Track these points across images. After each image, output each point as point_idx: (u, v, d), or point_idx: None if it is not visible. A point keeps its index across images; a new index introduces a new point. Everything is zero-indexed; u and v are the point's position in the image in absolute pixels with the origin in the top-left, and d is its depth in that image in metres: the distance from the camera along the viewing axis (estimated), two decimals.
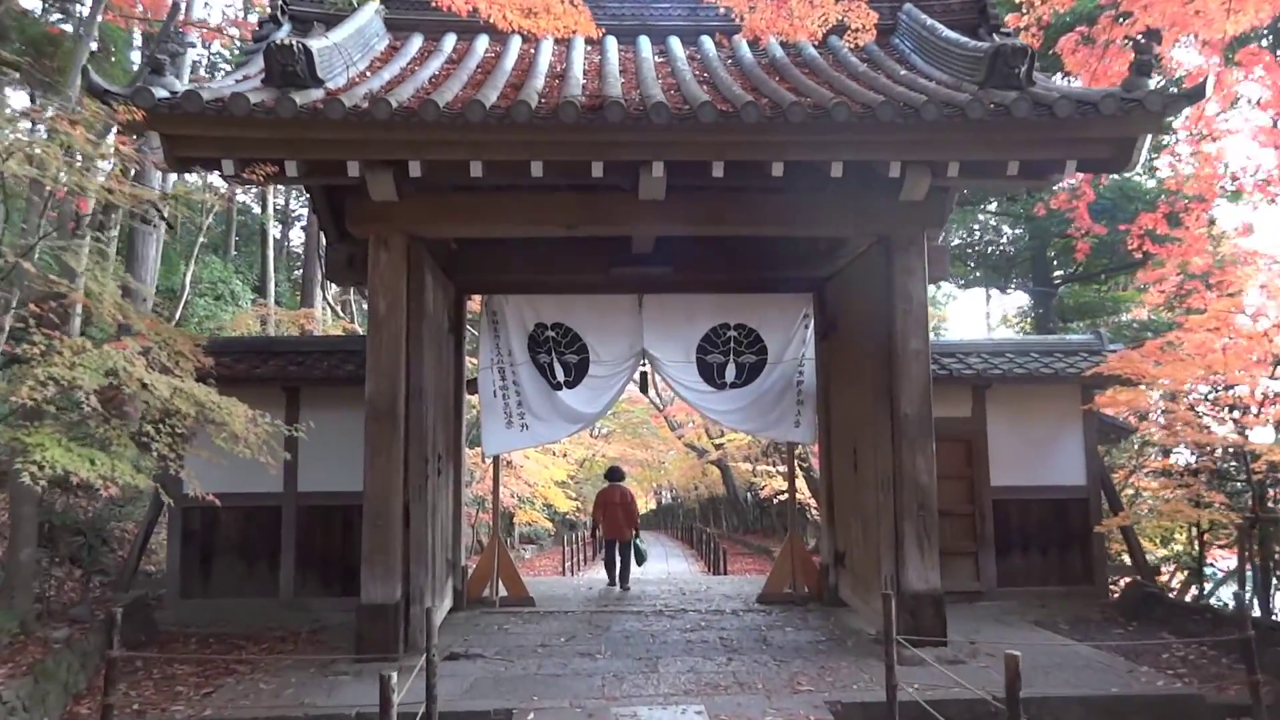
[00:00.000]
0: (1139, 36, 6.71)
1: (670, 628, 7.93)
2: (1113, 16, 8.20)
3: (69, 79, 9.22)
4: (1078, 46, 8.70)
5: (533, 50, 8.13)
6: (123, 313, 6.88)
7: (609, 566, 11.89)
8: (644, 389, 9.83)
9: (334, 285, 21.46)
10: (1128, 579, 9.41)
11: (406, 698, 4.80)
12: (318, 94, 6.15)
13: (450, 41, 8.34)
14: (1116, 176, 10.99)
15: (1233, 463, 8.54)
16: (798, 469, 18.11)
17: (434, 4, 7.25)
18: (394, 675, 3.62)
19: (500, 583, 9.23)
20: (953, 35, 7.50)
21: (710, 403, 9.39)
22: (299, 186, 14.30)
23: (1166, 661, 6.65)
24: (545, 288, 9.21)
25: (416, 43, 8.30)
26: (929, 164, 6.50)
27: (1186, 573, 10.53)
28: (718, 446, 31.07)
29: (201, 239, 20.72)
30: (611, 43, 8.29)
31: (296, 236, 31.57)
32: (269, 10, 8.42)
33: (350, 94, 6.19)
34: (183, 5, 14.42)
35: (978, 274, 15.43)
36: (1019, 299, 18.59)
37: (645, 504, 65.61)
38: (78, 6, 14.49)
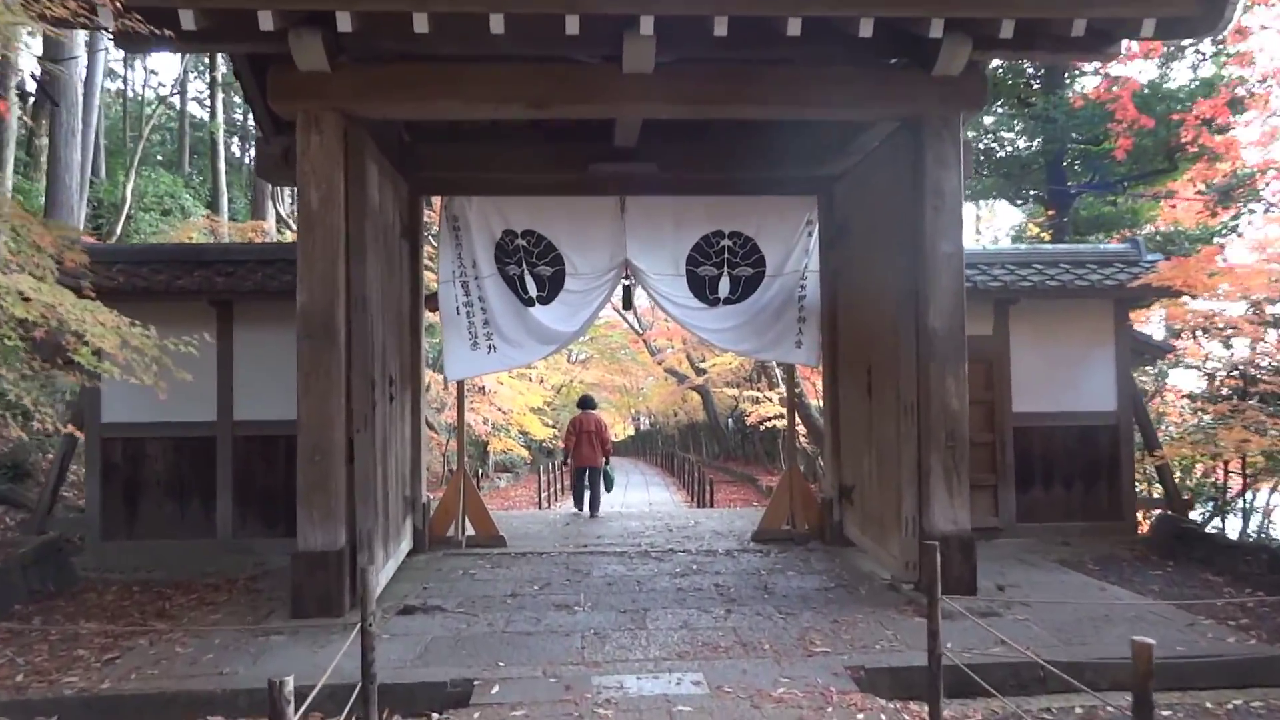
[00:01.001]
0: None
1: (658, 572, 7.04)
2: None
3: None
4: None
5: None
6: None
7: (577, 495, 11.80)
8: (627, 304, 8.78)
9: (289, 198, 20.02)
10: (1156, 512, 8.65)
11: (347, 663, 3.88)
12: None
13: None
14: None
15: None
16: (785, 390, 17.35)
17: None
18: (288, 683, 2.62)
19: (467, 521, 8.30)
20: None
21: (701, 321, 8.35)
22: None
23: (1225, 611, 5.84)
24: (514, 188, 8.04)
25: None
26: (976, 25, 5.37)
27: (1211, 505, 9.80)
28: (700, 372, 30.26)
29: (140, 148, 19.21)
30: None
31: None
32: None
33: None
34: None
35: (985, 182, 14.34)
36: (1020, 215, 17.57)
37: (623, 430, 65.36)
38: None
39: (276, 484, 7.53)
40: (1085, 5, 5.06)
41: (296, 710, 2.64)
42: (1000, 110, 13.64)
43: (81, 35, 13.33)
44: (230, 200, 23.08)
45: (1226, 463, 9.09)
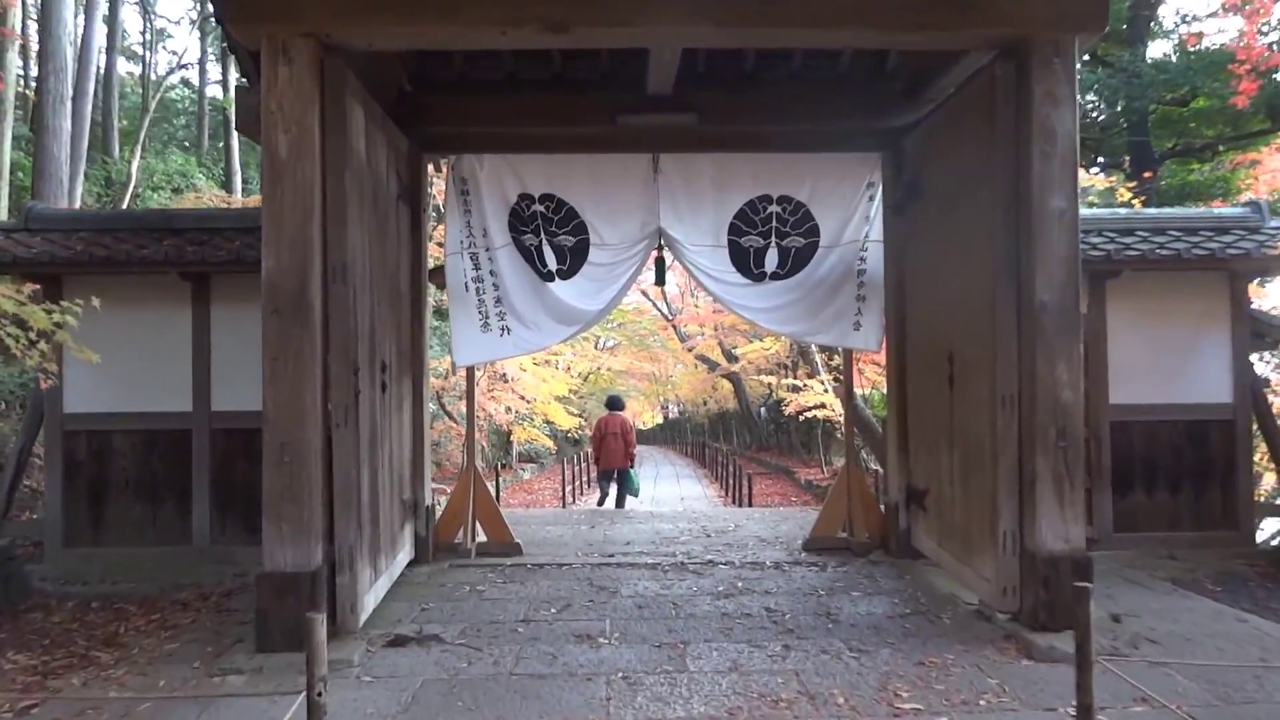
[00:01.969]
0: None
1: (697, 590, 6.00)
2: None
3: None
4: None
5: None
6: None
7: (603, 496, 12.10)
8: (659, 280, 7.67)
9: None
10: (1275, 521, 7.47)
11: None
12: None
13: None
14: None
15: None
16: (829, 378, 16.14)
17: None
18: None
19: (477, 525, 7.30)
20: None
21: (745, 299, 7.25)
22: None
23: None
24: (531, 145, 6.99)
25: None
26: None
27: None
28: (732, 359, 29.12)
29: (146, 123, 18.44)
30: None
31: None
32: None
33: None
34: None
35: None
36: (1096, 184, 16.17)
37: (651, 419, 64.46)
38: None
39: (260, 484, 6.55)
40: None
41: None
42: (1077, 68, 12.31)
43: None
44: (245, 181, 22.28)
45: None
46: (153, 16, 26.24)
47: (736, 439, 36.45)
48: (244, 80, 6.16)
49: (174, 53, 31.94)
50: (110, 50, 20.98)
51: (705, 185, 7.12)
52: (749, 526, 8.75)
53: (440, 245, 7.64)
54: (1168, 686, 4.05)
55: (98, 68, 22.95)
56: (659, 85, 6.32)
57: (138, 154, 16.55)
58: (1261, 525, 7.39)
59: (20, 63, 16.28)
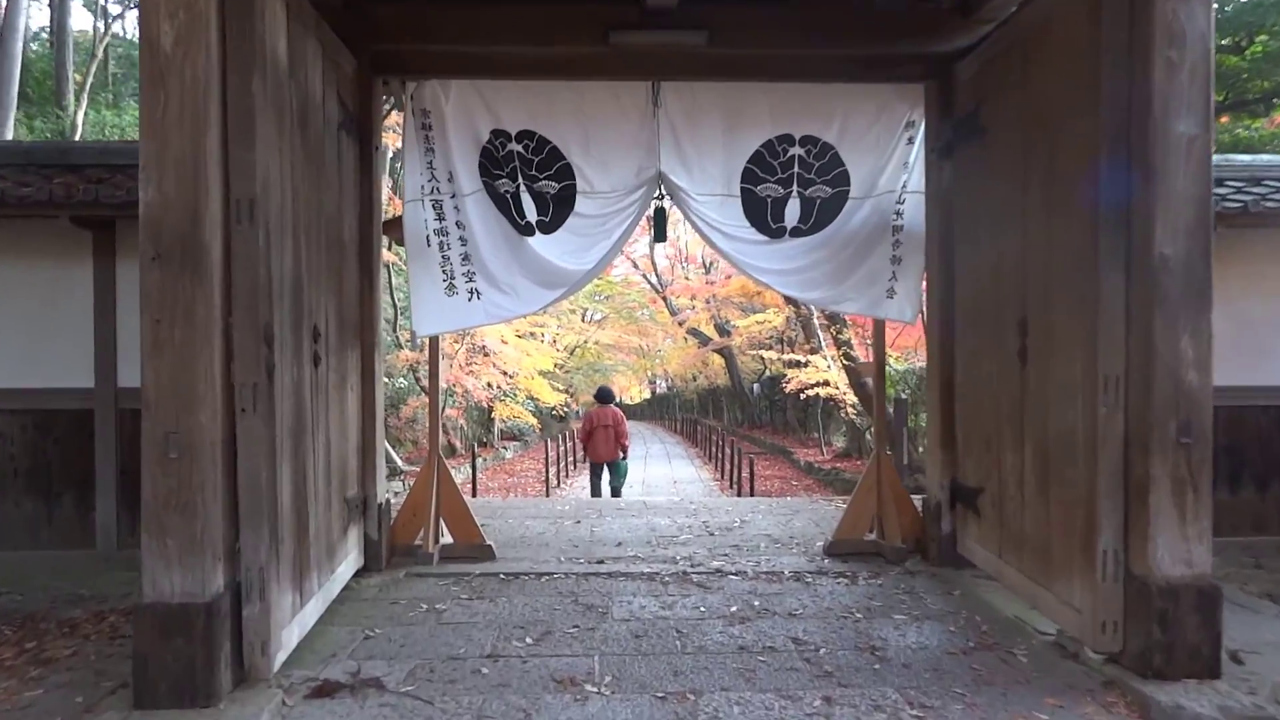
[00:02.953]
0: None
1: (706, 611, 4.92)
2: None
3: None
4: None
5: None
6: None
7: (594, 490, 11.77)
8: (659, 234, 6.48)
9: None
10: None
11: None
12: None
13: None
14: None
15: None
16: (835, 353, 15.05)
17: None
18: None
19: (442, 525, 6.20)
20: None
21: (760, 259, 6.13)
22: None
23: None
24: (506, 68, 5.80)
25: None
26: None
27: None
28: (724, 333, 28.04)
29: (92, 70, 17.01)
30: None
31: None
32: None
33: None
34: None
35: None
36: None
37: (639, 394, 63.51)
38: None
39: None
40: None
41: None
42: None
43: None
44: None
45: None
46: None
47: (728, 416, 35.48)
48: None
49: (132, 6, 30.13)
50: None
51: (715, 122, 5.97)
52: (757, 522, 7.68)
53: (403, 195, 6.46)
54: None
55: (56, 18, 21.43)
56: None
57: (84, 103, 15.17)
58: None
59: None
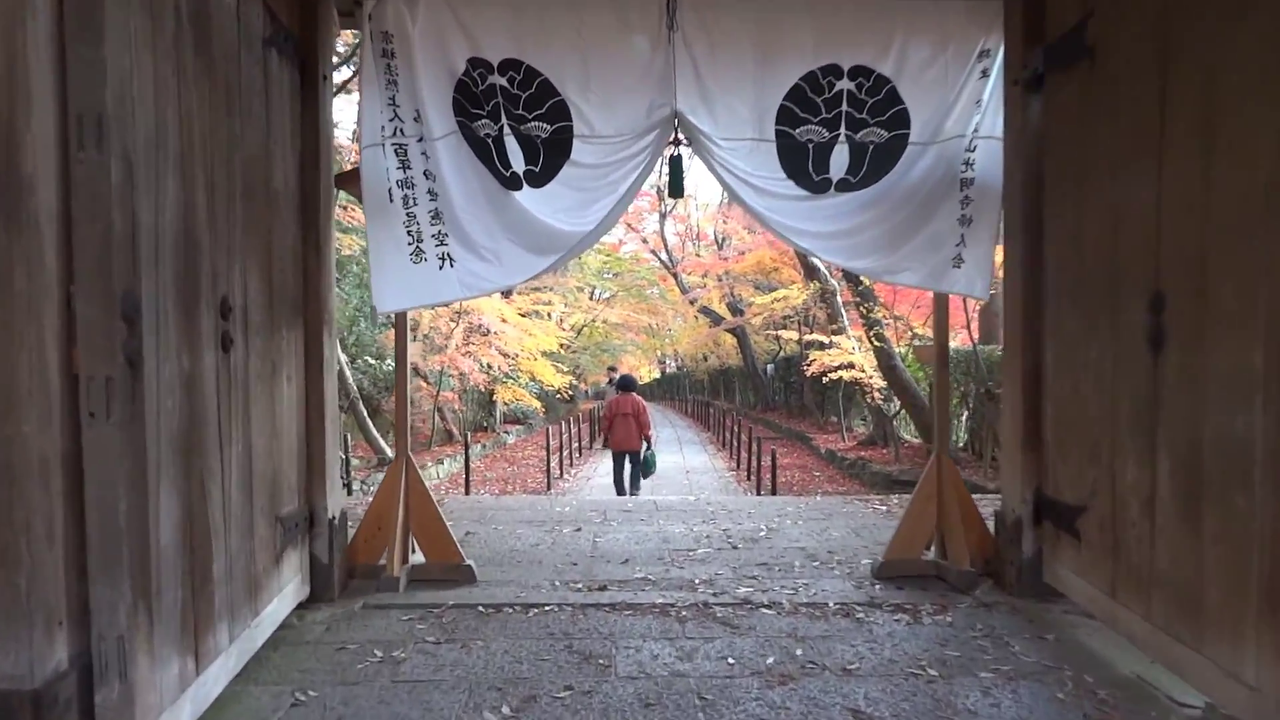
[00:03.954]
0: None
1: (735, 663, 3.85)
2: None
3: None
4: None
5: None
6: None
7: (617, 480, 11.68)
8: (675, 188, 5.29)
9: None
10: None
11: None
12: None
13: None
14: None
15: None
16: (861, 334, 13.90)
17: None
18: None
19: (411, 541, 5.15)
20: None
21: (799, 218, 5.00)
22: None
23: None
24: None
25: None
26: None
27: None
28: (737, 312, 26.92)
29: None
30: None
31: None
32: None
33: None
34: None
35: None
36: None
37: (649, 373, 62.54)
38: None
39: None
40: None
41: None
42: None
43: None
44: None
45: None
46: None
47: (740, 397, 34.39)
48: None
49: None
50: None
51: (744, 49, 4.84)
52: (786, 529, 6.62)
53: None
54: None
55: None
56: None
57: None
58: None
59: None
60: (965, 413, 12.74)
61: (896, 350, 12.83)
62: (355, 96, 7.34)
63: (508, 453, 18.09)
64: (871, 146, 4.91)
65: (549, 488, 12.34)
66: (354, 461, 12.49)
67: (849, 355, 13.82)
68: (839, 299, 15.49)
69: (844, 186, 4.94)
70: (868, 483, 12.32)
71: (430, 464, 13.20)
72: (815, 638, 4.16)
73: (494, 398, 18.47)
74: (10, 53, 2.42)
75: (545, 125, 4.83)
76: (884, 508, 7.82)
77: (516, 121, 4.82)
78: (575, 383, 27.16)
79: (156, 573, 2.83)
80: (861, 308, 12.41)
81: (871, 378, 13.69)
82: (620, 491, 11.40)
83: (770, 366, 28.53)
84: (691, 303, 29.57)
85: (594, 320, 31.14)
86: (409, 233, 4.69)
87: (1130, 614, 3.75)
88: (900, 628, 4.32)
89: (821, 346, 14.73)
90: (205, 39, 3.29)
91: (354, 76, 11.67)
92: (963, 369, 12.05)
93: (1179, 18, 3.43)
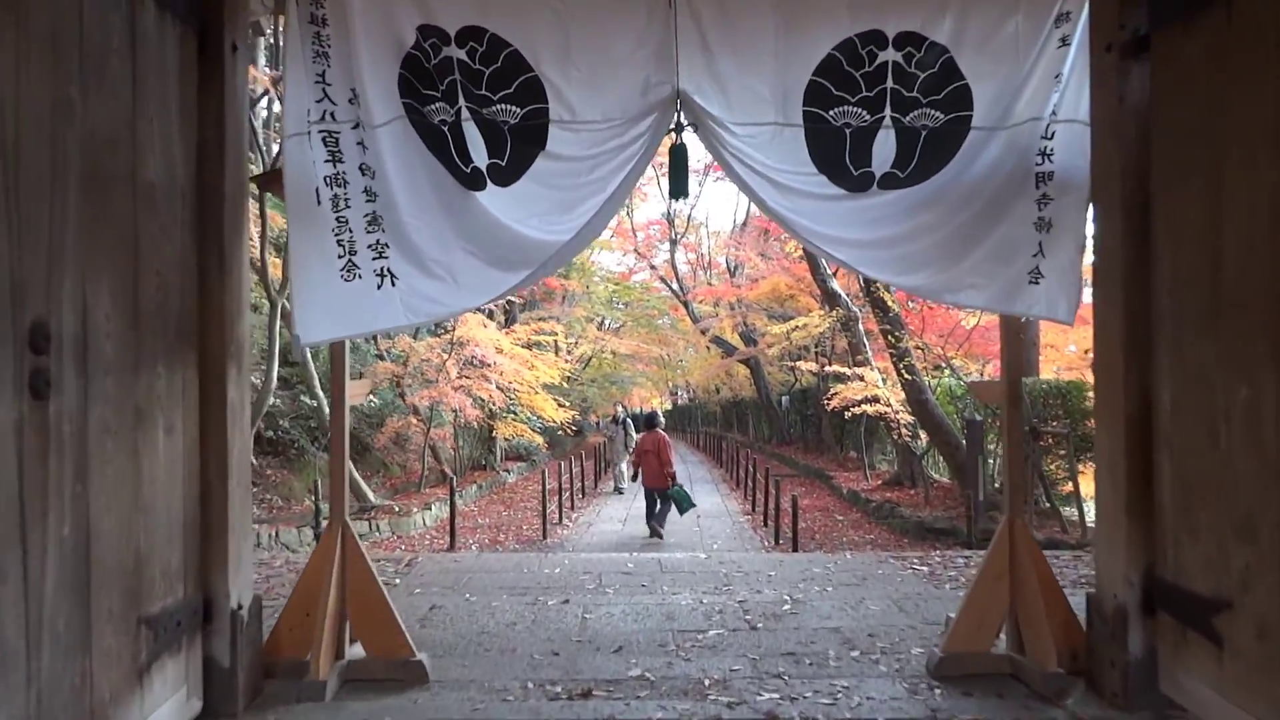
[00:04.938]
0: None
1: None
2: None
3: None
4: None
5: None
6: None
7: (648, 515, 12.15)
8: (677, 188, 4.19)
9: None
10: None
11: None
12: None
13: None
14: None
15: None
16: (888, 365, 12.76)
17: None
18: None
19: (346, 630, 4.11)
20: None
21: (831, 223, 4.00)
22: None
23: None
24: None
25: None
26: None
27: None
28: (750, 342, 25.89)
29: None
30: None
31: None
32: None
33: None
34: None
35: None
36: None
37: (660, 404, 61.58)
38: None
39: None
40: None
41: None
42: None
43: None
44: None
45: None
46: None
47: (754, 430, 33.24)
48: None
49: None
50: None
51: (763, 12, 3.87)
52: (813, 600, 5.55)
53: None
54: None
55: None
56: None
57: None
58: None
59: None
60: (1001, 450, 11.64)
61: (931, 382, 11.77)
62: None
63: (506, 493, 17.00)
64: (924, 132, 3.90)
65: (545, 536, 11.27)
66: (323, 507, 11.45)
67: (875, 389, 12.77)
68: (861, 327, 14.45)
69: (890, 183, 3.93)
70: (897, 530, 11.20)
71: (417, 509, 12.17)
72: None
73: (493, 433, 17.46)
74: None
75: (515, 108, 3.85)
76: (924, 567, 6.74)
77: (478, 104, 3.84)
78: (580, 417, 26.12)
79: None
80: (890, 336, 11.36)
81: (898, 413, 12.61)
82: (651, 530, 12.03)
83: (785, 398, 27.42)
84: (703, 332, 28.56)
85: (601, 350, 30.15)
86: (339, 242, 3.69)
87: None
88: None
89: (840, 379, 13.66)
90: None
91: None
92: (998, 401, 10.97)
93: None
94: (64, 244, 2.58)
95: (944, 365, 12.50)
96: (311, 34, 3.72)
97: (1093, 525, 9.84)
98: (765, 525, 12.39)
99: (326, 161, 3.70)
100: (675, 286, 30.63)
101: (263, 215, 10.44)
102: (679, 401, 61.23)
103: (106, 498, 2.79)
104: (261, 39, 11.96)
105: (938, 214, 3.96)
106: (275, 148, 11.43)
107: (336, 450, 4.23)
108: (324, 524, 9.87)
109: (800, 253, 15.29)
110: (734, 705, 3.75)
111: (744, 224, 30.81)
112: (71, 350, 2.60)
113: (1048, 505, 10.32)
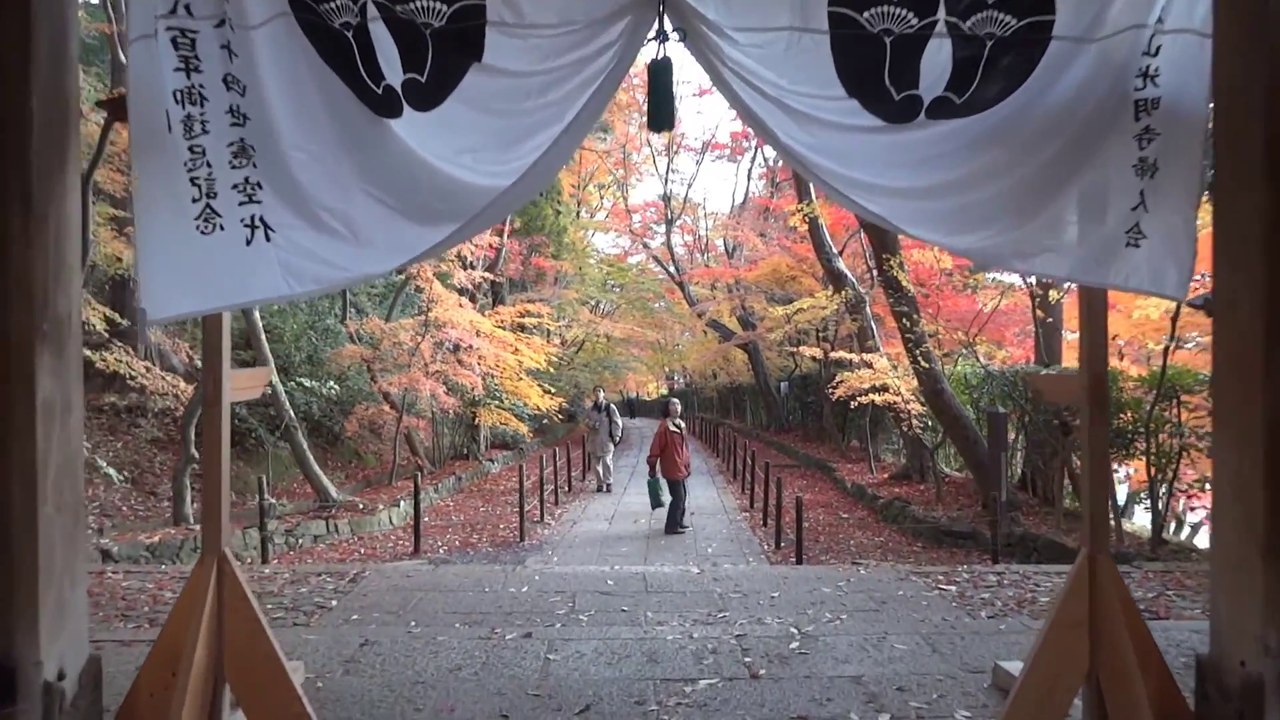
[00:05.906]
0: None
1: None
2: None
3: None
4: None
5: None
6: None
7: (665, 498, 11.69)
8: (658, 119, 3.25)
9: None
10: None
11: None
12: None
13: None
14: None
15: None
16: (898, 351, 11.73)
17: None
18: None
19: (224, 695, 3.15)
20: None
21: (864, 164, 3.01)
22: None
23: None
24: None
25: None
26: None
27: None
28: (748, 326, 24.92)
29: None
30: None
31: None
32: None
33: None
34: None
35: None
36: None
37: (655, 389, 60.64)
38: None
39: None
40: None
41: None
42: None
43: None
44: None
45: None
46: None
47: (751, 417, 32.28)
48: None
49: None
50: None
51: None
52: (826, 634, 4.60)
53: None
54: None
55: None
56: None
57: None
58: None
59: None
60: (1023, 443, 10.71)
61: (943, 368, 10.79)
62: None
63: (488, 484, 16.02)
64: (990, 43, 2.91)
65: (522, 538, 10.31)
66: (280, 505, 10.45)
67: (885, 376, 11.80)
68: (869, 309, 13.47)
69: (942, 110, 2.94)
70: (909, 532, 10.26)
71: (384, 506, 11.18)
72: None
73: (476, 421, 16.47)
74: None
75: (440, 6, 2.85)
76: (951, 587, 5.82)
77: (390, 3, 2.84)
78: (570, 405, 25.13)
79: None
80: (905, 320, 10.37)
81: (909, 403, 11.66)
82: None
83: (784, 385, 26.44)
84: (699, 316, 27.55)
85: (593, 334, 29.14)
86: (193, 181, 2.70)
87: None
88: None
89: (846, 366, 12.71)
90: None
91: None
92: (1022, 391, 10.05)
93: None
94: None
95: (965, 350, 11.52)
96: None
97: (1137, 533, 8.98)
98: (765, 525, 11.45)
99: (178, 70, 2.70)
100: (671, 269, 29.63)
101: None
102: (675, 387, 60.38)
103: None
104: None
105: (1005, 154, 2.98)
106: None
107: (213, 460, 3.25)
108: (269, 526, 8.90)
109: (805, 229, 14.20)
110: None
111: (743, 203, 29.80)
112: None
113: (1076, 505, 9.41)
